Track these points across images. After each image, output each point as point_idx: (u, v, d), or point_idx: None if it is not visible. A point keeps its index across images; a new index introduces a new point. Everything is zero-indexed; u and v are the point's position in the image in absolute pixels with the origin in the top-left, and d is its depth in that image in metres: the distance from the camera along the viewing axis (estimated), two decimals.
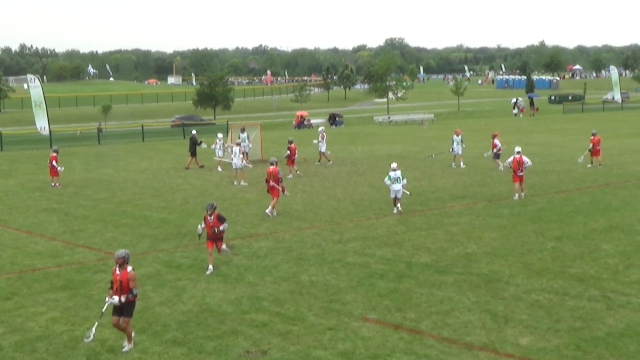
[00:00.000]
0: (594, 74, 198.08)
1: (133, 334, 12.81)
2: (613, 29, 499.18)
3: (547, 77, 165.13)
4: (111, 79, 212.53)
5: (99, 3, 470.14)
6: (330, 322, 13.77)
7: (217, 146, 37.19)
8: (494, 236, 20.54)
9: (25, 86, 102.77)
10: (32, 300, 15.51)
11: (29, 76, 62.61)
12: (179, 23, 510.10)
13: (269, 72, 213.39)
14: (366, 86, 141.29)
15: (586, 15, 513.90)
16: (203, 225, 17.38)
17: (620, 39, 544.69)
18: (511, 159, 26.48)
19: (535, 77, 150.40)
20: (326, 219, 23.52)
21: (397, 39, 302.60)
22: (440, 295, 15.33)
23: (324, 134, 38.59)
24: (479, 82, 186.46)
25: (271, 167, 24.31)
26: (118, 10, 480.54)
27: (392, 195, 24.46)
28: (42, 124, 54.31)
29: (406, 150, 43.92)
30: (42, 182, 32.44)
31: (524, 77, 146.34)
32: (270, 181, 24.05)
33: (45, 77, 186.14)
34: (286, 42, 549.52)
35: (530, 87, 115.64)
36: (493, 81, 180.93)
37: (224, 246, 17.65)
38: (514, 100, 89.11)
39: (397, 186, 24.09)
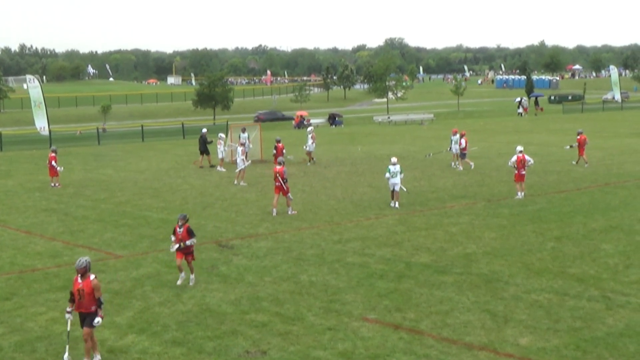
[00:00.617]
0: (594, 74, 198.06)
1: (97, 352, 12.18)
2: (613, 28, 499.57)
3: (546, 77, 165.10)
4: (111, 79, 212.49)
5: (99, 3, 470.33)
6: (330, 322, 13.77)
7: (220, 146, 37.06)
8: (494, 236, 20.54)
9: (25, 86, 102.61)
10: (31, 300, 15.51)
11: (29, 76, 62.52)
12: (179, 23, 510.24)
13: (268, 72, 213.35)
14: (366, 86, 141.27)
15: (586, 15, 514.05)
16: (174, 238, 16.31)
17: (619, 39, 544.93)
18: (515, 158, 26.52)
19: (535, 77, 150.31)
20: (326, 219, 23.52)
21: (396, 39, 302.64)
22: (439, 295, 15.33)
23: (314, 134, 38.87)
24: (479, 82, 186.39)
25: (278, 167, 24.50)
26: (118, 10, 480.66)
27: (391, 189, 25.34)
28: (41, 124, 54.21)
29: (406, 150, 43.90)
30: (41, 183, 32.42)
31: (523, 77, 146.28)
32: (276, 181, 24.30)
33: (44, 77, 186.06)
34: (286, 42, 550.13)
35: (530, 87, 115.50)
36: (493, 81, 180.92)
37: (192, 264, 16.44)
38: (518, 99, 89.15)
39: (395, 180, 24.98)
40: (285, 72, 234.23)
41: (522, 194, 26.44)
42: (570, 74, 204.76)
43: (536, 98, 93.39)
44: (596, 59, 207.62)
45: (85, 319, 12.07)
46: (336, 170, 35.51)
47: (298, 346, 12.66)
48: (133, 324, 13.87)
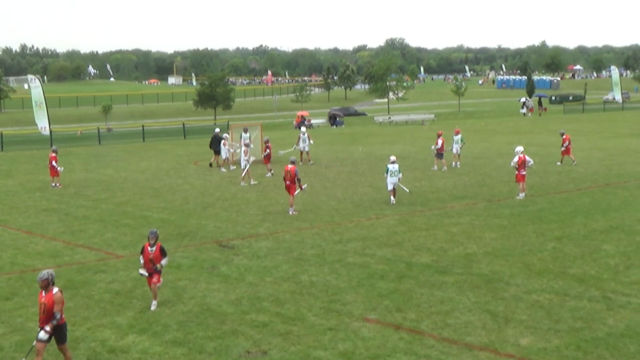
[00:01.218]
0: (594, 74, 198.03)
1: None
2: (613, 29, 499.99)
3: (547, 78, 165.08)
4: (111, 79, 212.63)
5: (100, 3, 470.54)
6: (331, 323, 13.76)
7: (225, 147, 36.91)
8: (494, 236, 20.54)
9: (26, 86, 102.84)
10: (32, 300, 15.47)
11: (30, 76, 62.59)
12: (180, 23, 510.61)
13: (269, 72, 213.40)
14: (367, 86, 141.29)
15: (587, 16, 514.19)
16: (141, 270, 14.74)
17: (620, 39, 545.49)
18: (516, 158, 26.52)
19: (535, 77, 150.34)
20: (326, 219, 23.51)
21: (397, 39, 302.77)
22: (440, 295, 15.33)
23: (308, 134, 39.22)
24: (479, 82, 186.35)
25: (289, 166, 24.60)
26: (119, 10, 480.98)
27: (390, 188, 25.75)
28: (42, 124, 54.27)
29: (407, 150, 43.89)
30: (42, 182, 32.43)
31: (524, 78, 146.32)
32: (287, 180, 24.41)
33: (45, 77, 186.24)
34: (287, 42, 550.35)
35: (530, 87, 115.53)
36: (494, 81, 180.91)
37: (159, 284, 14.84)
38: (522, 99, 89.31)
39: (394, 179, 25.48)
40: (286, 73, 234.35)
41: (523, 194, 26.44)
42: (571, 74, 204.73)
43: (540, 98, 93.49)
44: (597, 60, 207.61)
45: (56, 333, 11.51)
46: (337, 170, 35.51)
47: (299, 346, 12.66)
48: (134, 324, 13.87)
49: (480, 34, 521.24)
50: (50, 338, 11.49)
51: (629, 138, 49.81)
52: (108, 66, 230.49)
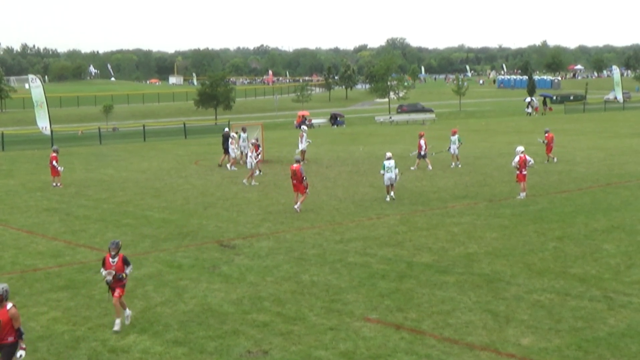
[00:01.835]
0: (595, 74, 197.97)
1: None
2: (615, 29, 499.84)
3: (548, 77, 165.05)
4: (112, 79, 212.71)
5: (101, 3, 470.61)
6: (332, 322, 13.76)
7: (233, 146, 36.69)
8: (495, 236, 20.53)
9: (27, 86, 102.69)
10: (33, 300, 15.51)
11: (31, 76, 62.55)
12: (181, 23, 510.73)
13: (270, 72, 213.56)
14: (367, 86, 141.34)
15: (588, 15, 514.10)
16: (106, 271, 13.80)
17: (621, 39, 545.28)
18: (517, 158, 26.52)
19: (536, 77, 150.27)
20: (327, 219, 23.51)
21: (398, 39, 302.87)
22: (441, 295, 15.32)
23: (305, 133, 39.29)
24: (480, 82, 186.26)
25: (294, 165, 24.69)
26: (119, 10, 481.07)
27: (387, 183, 26.23)
28: (43, 124, 54.27)
29: (407, 150, 43.79)
30: (43, 182, 32.44)
31: (525, 77, 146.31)
32: (294, 179, 24.51)
33: (46, 77, 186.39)
34: (287, 42, 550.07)
35: (531, 87, 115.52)
36: (494, 81, 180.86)
37: (121, 298, 13.78)
38: (528, 99, 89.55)
39: (390, 175, 25.98)
40: (287, 72, 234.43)
41: (524, 194, 26.44)
42: (572, 74, 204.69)
43: (544, 98, 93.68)
44: (598, 59, 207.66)
45: (2, 350, 10.78)
46: (338, 170, 35.50)
47: (300, 346, 12.65)
48: (134, 324, 13.87)
49: (481, 34, 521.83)
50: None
51: (630, 138, 49.79)
52: (109, 66, 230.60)
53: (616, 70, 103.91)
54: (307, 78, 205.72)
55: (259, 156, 32.36)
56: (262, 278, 16.81)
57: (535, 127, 61.34)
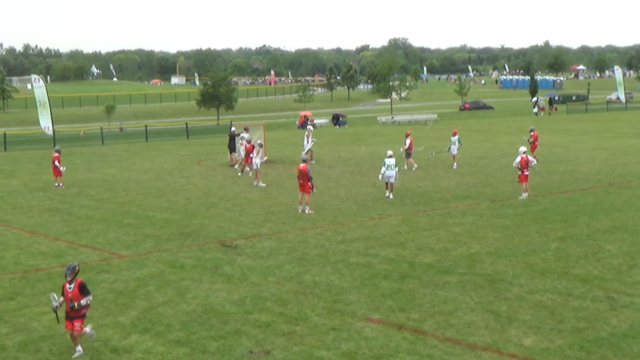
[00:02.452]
0: (598, 74, 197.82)
1: None
2: (617, 29, 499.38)
3: (550, 78, 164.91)
4: (114, 79, 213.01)
5: (103, 3, 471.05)
6: (334, 323, 13.76)
7: (243, 146, 36.50)
8: (498, 236, 20.52)
9: (29, 86, 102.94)
10: (35, 300, 15.52)
11: (33, 76, 62.59)
12: (183, 23, 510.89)
13: (272, 72, 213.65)
14: (369, 86, 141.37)
15: (590, 16, 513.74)
16: (59, 298, 12.58)
17: (624, 39, 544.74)
18: (519, 158, 26.53)
19: (538, 77, 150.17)
20: (329, 219, 23.50)
21: (400, 39, 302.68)
22: (443, 295, 15.31)
23: (309, 133, 39.37)
24: (482, 82, 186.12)
25: (301, 165, 24.68)
26: (122, 10, 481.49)
27: (386, 180, 26.70)
28: (45, 124, 54.34)
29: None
30: (45, 182, 32.47)
31: (527, 78, 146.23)
32: (300, 179, 24.54)
33: (49, 77, 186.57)
34: (289, 42, 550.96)
35: (534, 87, 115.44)
36: (497, 81, 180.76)
37: (87, 328, 12.66)
38: (534, 99, 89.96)
39: (390, 172, 26.46)
40: (289, 72, 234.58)
41: (526, 194, 26.43)
42: (574, 74, 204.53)
43: (550, 98, 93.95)
44: (600, 59, 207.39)
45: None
46: (340, 170, 35.50)
47: (302, 346, 12.65)
48: (137, 324, 13.88)
49: (483, 34, 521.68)
50: None
51: (632, 138, 49.74)
52: (111, 66, 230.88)
53: (618, 71, 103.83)
54: (309, 78, 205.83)
55: (257, 156, 32.12)
56: (264, 278, 16.81)
57: (538, 127, 61.23)
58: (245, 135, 37.57)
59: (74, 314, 12.40)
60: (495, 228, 21.58)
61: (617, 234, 20.59)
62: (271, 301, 15.12)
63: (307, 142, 38.47)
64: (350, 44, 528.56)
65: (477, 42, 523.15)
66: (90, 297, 12.58)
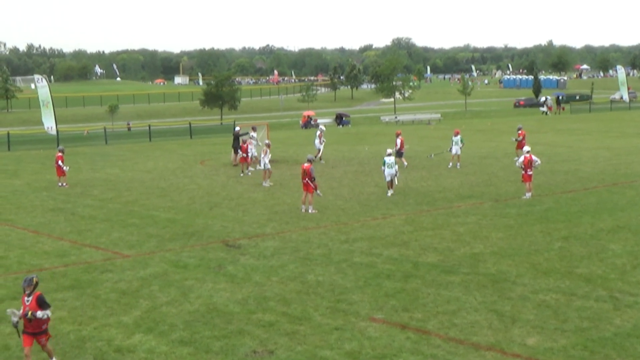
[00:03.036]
0: (601, 74, 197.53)
1: None
2: (620, 28, 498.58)
3: (554, 77, 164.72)
4: (118, 79, 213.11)
5: (106, 3, 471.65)
6: (337, 322, 13.75)
7: (252, 146, 36.35)
8: (501, 236, 20.50)
9: (33, 86, 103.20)
10: None
11: (37, 76, 62.63)
12: (186, 23, 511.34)
13: (275, 72, 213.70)
14: (373, 86, 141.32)
15: (593, 15, 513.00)
16: (19, 312, 11.84)
17: (627, 39, 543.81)
18: (522, 158, 26.53)
19: (542, 77, 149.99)
20: (333, 219, 23.50)
21: (404, 39, 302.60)
22: (447, 295, 15.30)
23: (321, 133, 39.39)
24: (485, 82, 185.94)
25: (305, 165, 24.65)
26: (125, 10, 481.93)
27: (388, 179, 27.12)
28: (49, 124, 54.37)
29: (413, 150, 43.81)
30: (49, 182, 32.50)
31: (531, 77, 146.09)
32: (305, 179, 24.54)
33: (52, 77, 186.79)
34: (293, 42, 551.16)
35: (537, 87, 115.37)
36: (500, 81, 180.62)
37: (48, 345, 12.10)
38: (542, 99, 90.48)
39: (390, 171, 26.87)
40: (293, 72, 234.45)
41: (530, 194, 26.40)
42: (577, 73, 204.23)
43: (558, 98, 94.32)
44: (604, 59, 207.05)
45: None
46: (343, 170, 35.49)
47: (305, 346, 12.65)
48: (140, 324, 13.89)
49: (486, 34, 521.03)
50: None
51: (636, 137, 49.66)
52: (114, 66, 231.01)
53: (621, 70, 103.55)
54: (312, 78, 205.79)
55: (265, 156, 32.12)
56: (267, 278, 16.81)
57: (541, 127, 61.28)
58: (254, 134, 37.55)
59: (34, 330, 11.82)
60: (499, 228, 21.56)
61: (620, 234, 20.56)
62: (274, 301, 15.12)
63: (320, 142, 38.41)
64: (353, 44, 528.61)
65: (481, 41, 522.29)
66: (49, 312, 11.90)
